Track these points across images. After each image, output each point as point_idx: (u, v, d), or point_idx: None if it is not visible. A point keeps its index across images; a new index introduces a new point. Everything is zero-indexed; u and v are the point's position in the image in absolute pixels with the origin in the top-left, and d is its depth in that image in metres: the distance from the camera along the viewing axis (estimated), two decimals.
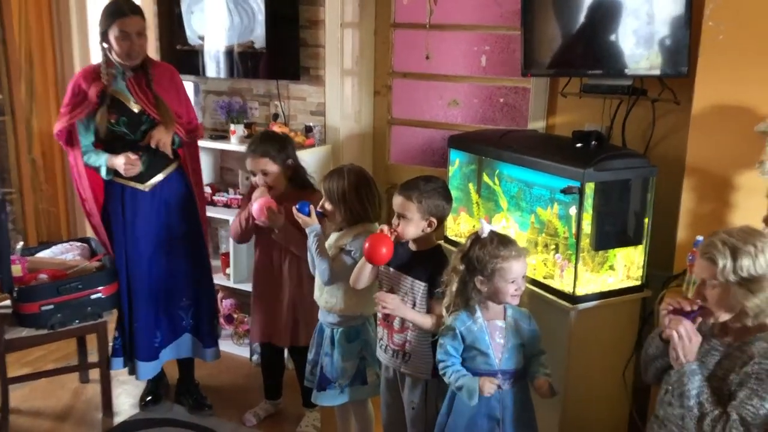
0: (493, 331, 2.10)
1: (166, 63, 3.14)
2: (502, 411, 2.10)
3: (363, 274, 2.35)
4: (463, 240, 3.03)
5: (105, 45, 2.79)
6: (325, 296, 2.53)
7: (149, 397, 3.16)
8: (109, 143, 2.84)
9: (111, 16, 2.74)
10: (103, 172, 2.84)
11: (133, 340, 2.99)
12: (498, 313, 2.13)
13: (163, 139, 2.79)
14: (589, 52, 2.79)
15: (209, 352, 3.14)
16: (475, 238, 2.12)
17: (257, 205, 2.67)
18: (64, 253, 3.15)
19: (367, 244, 2.23)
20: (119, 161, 2.78)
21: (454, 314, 2.12)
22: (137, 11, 2.78)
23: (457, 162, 3.08)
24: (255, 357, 3.51)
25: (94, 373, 3.19)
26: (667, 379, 1.88)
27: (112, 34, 2.73)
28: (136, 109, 2.81)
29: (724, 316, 1.79)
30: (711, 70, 2.39)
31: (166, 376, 3.26)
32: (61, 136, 2.83)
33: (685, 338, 1.75)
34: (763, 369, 1.69)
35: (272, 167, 2.73)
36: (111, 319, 3.02)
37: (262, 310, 2.92)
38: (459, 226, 3.11)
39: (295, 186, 2.81)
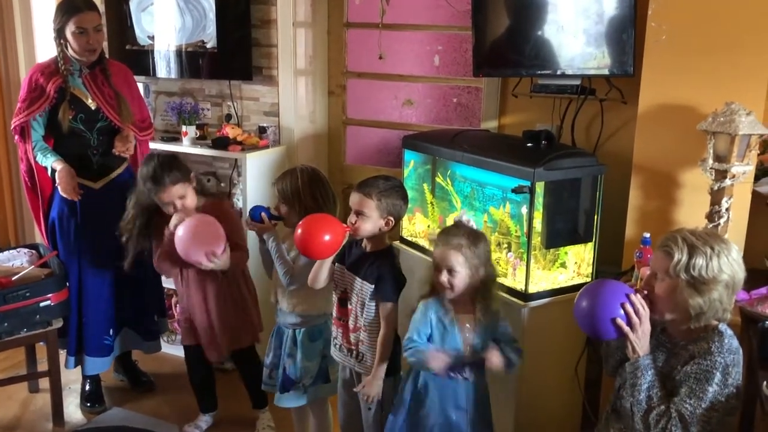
0: (462, 325, 2.12)
1: (118, 62, 3.15)
2: (467, 401, 2.15)
3: (321, 272, 2.30)
4: (418, 240, 3.07)
5: (61, 41, 2.79)
6: (287, 298, 2.51)
7: (93, 399, 3.15)
8: (65, 138, 2.86)
9: (67, 12, 2.75)
10: (49, 172, 2.90)
11: (82, 335, 3.02)
12: (465, 308, 2.13)
13: (130, 150, 2.88)
14: (538, 52, 2.83)
15: (149, 345, 3.22)
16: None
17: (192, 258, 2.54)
18: (11, 260, 3.06)
19: (299, 231, 2.13)
20: (65, 184, 2.78)
21: (426, 300, 2.15)
22: (93, 6, 2.81)
23: (412, 162, 3.09)
24: None
25: (44, 382, 3.10)
26: (622, 374, 1.92)
27: (69, 31, 2.75)
28: (92, 106, 2.87)
29: (668, 315, 1.83)
30: (655, 70, 2.44)
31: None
32: (17, 131, 2.86)
33: (639, 331, 1.79)
34: (701, 369, 1.74)
35: (186, 189, 2.64)
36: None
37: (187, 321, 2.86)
38: (414, 227, 3.13)
39: (204, 196, 2.75)
